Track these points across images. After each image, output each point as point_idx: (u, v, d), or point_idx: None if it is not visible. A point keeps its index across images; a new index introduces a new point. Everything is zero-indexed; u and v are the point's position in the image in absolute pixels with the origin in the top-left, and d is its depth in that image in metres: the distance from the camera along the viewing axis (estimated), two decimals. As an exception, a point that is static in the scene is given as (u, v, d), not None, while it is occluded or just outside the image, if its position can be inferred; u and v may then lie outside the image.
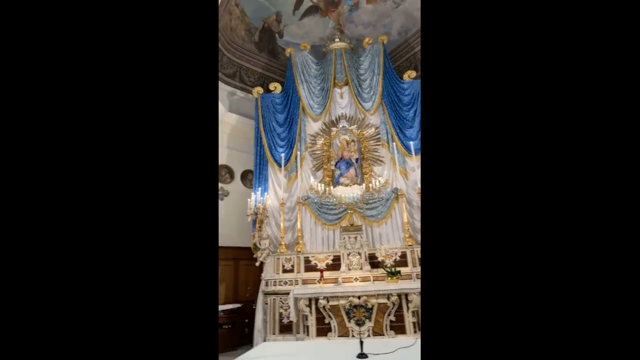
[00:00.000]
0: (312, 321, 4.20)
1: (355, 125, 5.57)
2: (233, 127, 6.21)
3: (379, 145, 5.43)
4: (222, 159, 6.04)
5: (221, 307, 5.16)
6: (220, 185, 3.58)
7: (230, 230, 5.52)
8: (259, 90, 5.85)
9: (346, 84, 5.80)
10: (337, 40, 6.05)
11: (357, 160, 5.49)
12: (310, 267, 4.74)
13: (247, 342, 5.00)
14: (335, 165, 5.48)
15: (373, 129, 5.51)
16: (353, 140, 5.56)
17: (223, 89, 6.21)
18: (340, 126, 5.58)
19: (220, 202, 3.32)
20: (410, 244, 4.64)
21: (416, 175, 5.01)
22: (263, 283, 4.75)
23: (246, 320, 5.35)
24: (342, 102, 5.78)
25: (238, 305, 5.36)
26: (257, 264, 4.82)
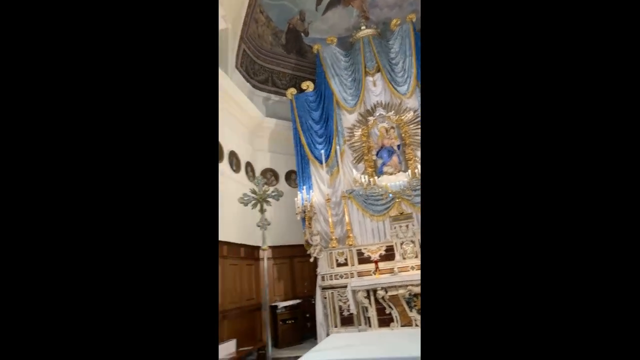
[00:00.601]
0: (372, 312, 4.21)
1: (393, 112, 5.41)
2: (272, 131, 6.40)
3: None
4: (266, 163, 6.28)
5: (282, 304, 5.39)
6: (273, 187, 3.78)
7: (282, 230, 5.73)
8: (292, 91, 5.95)
9: (378, 70, 5.66)
10: (363, 28, 5.92)
11: (398, 147, 5.36)
12: (363, 260, 4.75)
13: (310, 336, 5.17)
14: (377, 155, 5.40)
15: (412, 113, 5.31)
16: (392, 127, 5.42)
17: (258, 96, 6.43)
18: (377, 114, 5.47)
19: (274, 203, 3.51)
20: (466, 226, 4.43)
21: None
22: (319, 278, 4.87)
23: (307, 315, 5.52)
24: (376, 89, 5.66)
25: (297, 301, 5.56)
26: (311, 259, 4.95)
